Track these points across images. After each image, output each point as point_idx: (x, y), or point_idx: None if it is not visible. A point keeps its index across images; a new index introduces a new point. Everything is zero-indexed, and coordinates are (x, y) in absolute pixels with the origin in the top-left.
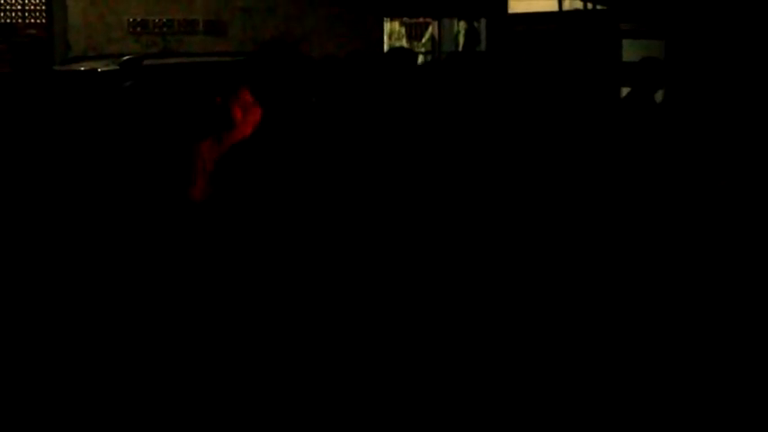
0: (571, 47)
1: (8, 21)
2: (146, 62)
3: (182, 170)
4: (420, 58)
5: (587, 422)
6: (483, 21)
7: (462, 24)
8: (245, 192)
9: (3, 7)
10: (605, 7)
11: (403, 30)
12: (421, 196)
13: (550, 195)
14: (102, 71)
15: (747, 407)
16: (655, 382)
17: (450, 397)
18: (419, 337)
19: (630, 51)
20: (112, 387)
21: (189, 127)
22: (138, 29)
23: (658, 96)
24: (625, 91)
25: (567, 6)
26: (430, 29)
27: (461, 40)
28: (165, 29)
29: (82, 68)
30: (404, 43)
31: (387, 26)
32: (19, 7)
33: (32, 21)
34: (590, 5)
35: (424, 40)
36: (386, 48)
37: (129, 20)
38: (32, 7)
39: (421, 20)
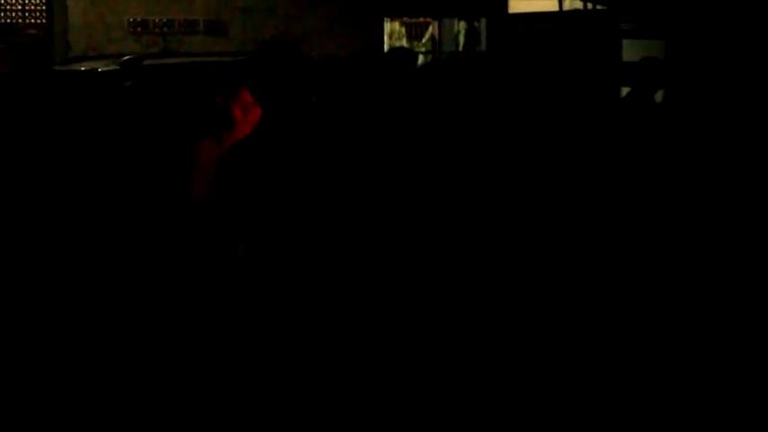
0: (571, 47)
1: (8, 21)
2: (146, 62)
3: (182, 170)
4: (420, 58)
5: (587, 422)
6: (483, 21)
7: (462, 24)
8: (245, 191)
9: (3, 7)
10: (605, 7)
11: (403, 30)
12: (421, 196)
13: (550, 195)
14: (102, 71)
15: (747, 407)
16: (655, 382)
17: (450, 397)
18: (419, 337)
19: (630, 51)
20: (112, 387)
21: (189, 127)
22: (139, 29)
23: (658, 96)
24: (625, 91)
25: (567, 6)
26: (430, 29)
27: (462, 40)
28: (165, 29)
29: (82, 68)
30: (404, 43)
31: (387, 26)
32: (19, 7)
33: (32, 21)
34: (590, 5)
35: (424, 40)
36: (386, 48)
37: (129, 20)
38: (32, 7)
39: (421, 20)
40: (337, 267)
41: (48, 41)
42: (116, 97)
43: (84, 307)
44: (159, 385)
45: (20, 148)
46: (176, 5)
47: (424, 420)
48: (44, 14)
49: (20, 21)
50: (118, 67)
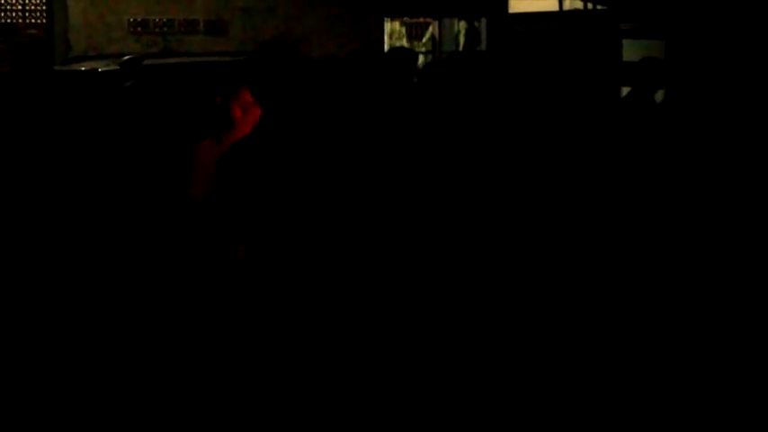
0: (571, 47)
1: (8, 21)
2: (146, 62)
3: (182, 170)
4: (420, 58)
5: (587, 422)
6: (483, 20)
7: (463, 24)
8: (245, 191)
9: (3, 7)
10: (605, 7)
11: (403, 29)
12: (421, 195)
13: (550, 195)
14: (102, 71)
15: (747, 407)
16: (655, 381)
17: (450, 397)
18: (419, 337)
19: (631, 51)
20: (112, 386)
21: (189, 127)
22: (139, 29)
23: (658, 96)
24: (625, 91)
25: (567, 6)
26: (430, 29)
27: (462, 39)
28: (165, 29)
29: (82, 68)
30: (404, 43)
31: (387, 26)
32: (19, 7)
33: (33, 21)
34: (590, 5)
35: (424, 40)
36: (386, 48)
37: (129, 20)
38: (33, 7)
39: (421, 20)
40: (337, 267)
41: (48, 41)
42: (116, 97)
43: (84, 306)
44: (159, 385)
45: (20, 147)
46: (176, 5)
47: (424, 420)
48: (44, 14)
49: (20, 21)
50: (118, 67)
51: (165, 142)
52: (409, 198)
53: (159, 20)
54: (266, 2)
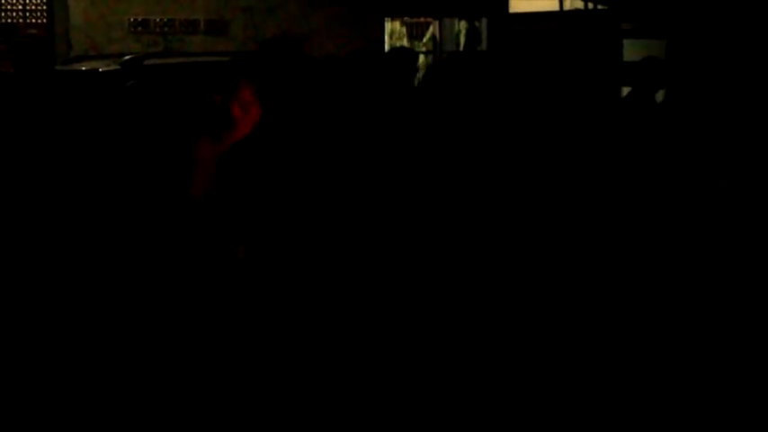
0: (572, 46)
1: (9, 21)
2: (147, 62)
3: (182, 169)
4: (421, 58)
5: (587, 422)
6: (484, 20)
7: (463, 24)
8: (245, 191)
9: (4, 7)
10: (606, 7)
11: (404, 29)
12: (421, 195)
13: (551, 194)
14: (103, 71)
15: (747, 407)
16: (655, 381)
17: (450, 397)
18: (419, 337)
19: (631, 51)
20: (112, 386)
21: (189, 126)
22: (140, 28)
23: (659, 96)
24: (626, 91)
25: (567, 6)
26: (431, 28)
27: (462, 39)
28: (166, 28)
29: (83, 68)
30: (405, 43)
31: (388, 26)
32: (20, 7)
33: (33, 20)
34: (591, 5)
35: (425, 40)
36: (387, 47)
37: (130, 19)
38: (33, 7)
39: (422, 19)
40: (337, 267)
41: (49, 41)
42: (117, 97)
43: (83, 306)
44: (159, 385)
45: (21, 147)
46: (177, 5)
47: (424, 420)
48: (45, 14)
49: (21, 20)
50: (119, 67)
51: (165, 142)
52: (410, 197)
53: (160, 20)
54: (267, 2)
